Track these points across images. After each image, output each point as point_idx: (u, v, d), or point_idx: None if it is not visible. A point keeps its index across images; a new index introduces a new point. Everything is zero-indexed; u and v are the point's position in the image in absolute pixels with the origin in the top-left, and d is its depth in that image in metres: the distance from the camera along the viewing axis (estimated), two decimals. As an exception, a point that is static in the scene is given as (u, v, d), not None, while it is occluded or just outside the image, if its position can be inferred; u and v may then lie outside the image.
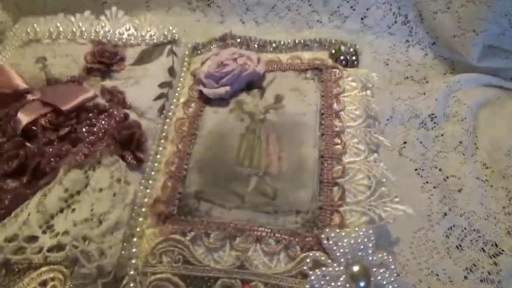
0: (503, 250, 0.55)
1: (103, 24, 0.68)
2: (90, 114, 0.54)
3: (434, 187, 0.62)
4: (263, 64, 0.63)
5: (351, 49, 0.66)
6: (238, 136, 0.54)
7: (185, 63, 0.68)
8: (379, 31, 0.75)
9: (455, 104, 0.67)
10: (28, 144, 0.50)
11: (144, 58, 0.65)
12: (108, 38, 0.67)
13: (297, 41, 0.69)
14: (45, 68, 0.61)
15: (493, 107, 0.69)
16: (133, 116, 0.56)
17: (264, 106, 0.58)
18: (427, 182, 0.64)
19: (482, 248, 0.55)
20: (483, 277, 0.53)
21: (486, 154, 0.64)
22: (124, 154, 0.50)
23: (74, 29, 0.67)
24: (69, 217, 0.45)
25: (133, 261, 0.46)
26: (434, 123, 0.67)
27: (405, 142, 0.69)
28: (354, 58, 0.64)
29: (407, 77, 0.78)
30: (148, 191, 0.52)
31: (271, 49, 0.69)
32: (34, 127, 0.52)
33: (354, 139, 0.54)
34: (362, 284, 0.42)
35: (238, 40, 0.69)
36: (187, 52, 0.70)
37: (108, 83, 0.61)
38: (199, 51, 0.70)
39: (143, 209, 0.50)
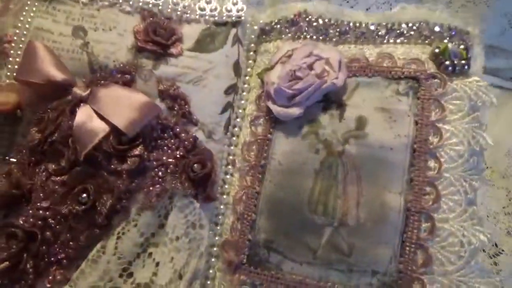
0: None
1: None
2: (154, 134, 0.49)
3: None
4: (345, 69, 0.51)
5: (461, 46, 0.51)
6: (311, 173, 0.48)
7: (251, 53, 0.58)
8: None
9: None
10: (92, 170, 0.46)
11: (206, 43, 0.55)
12: (160, 7, 0.56)
13: (389, 26, 0.54)
14: (87, 48, 0.51)
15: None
16: (200, 135, 0.51)
17: (343, 132, 0.49)
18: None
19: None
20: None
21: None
22: (197, 193, 0.48)
23: None
24: (148, 265, 0.46)
25: (207, 306, 0.47)
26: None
27: None
28: (463, 62, 0.50)
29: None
30: (218, 228, 0.50)
31: (354, 38, 0.55)
32: (95, 151, 0.46)
33: (451, 187, 0.46)
34: None
35: (315, 24, 0.56)
36: (253, 37, 0.58)
37: (163, 70, 0.52)
38: (266, 36, 0.58)
39: (214, 248, 0.50)
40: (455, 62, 0.50)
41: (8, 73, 0.51)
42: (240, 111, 0.55)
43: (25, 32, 0.53)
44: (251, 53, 0.58)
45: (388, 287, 0.45)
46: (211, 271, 0.49)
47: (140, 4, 0.56)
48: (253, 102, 0.55)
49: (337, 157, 0.49)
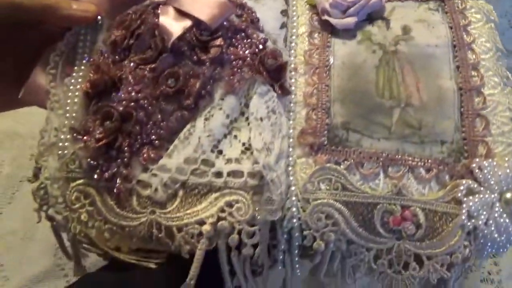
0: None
1: None
2: (229, 33, 0.52)
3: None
4: (384, -8, 0.60)
5: (471, -23, 0.63)
6: (373, 68, 0.54)
7: (293, -8, 0.66)
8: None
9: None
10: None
11: None
12: None
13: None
14: None
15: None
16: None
17: (392, 37, 0.57)
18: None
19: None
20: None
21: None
22: (273, 84, 0.50)
23: None
24: (235, 144, 0.47)
25: (293, 188, 0.48)
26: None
27: None
28: (475, -13, 0.62)
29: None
30: (290, 122, 0.52)
31: (384, -27, 0.65)
32: (180, 42, 0.48)
33: (489, 71, 0.54)
34: (516, 208, 0.46)
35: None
36: (292, -21, 0.66)
37: None
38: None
39: (290, 140, 0.51)
40: (469, -13, 0.62)
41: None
42: (294, 30, 0.61)
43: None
44: (294, -9, 0.66)
45: (457, 152, 0.50)
46: (290, 159, 0.50)
47: None
48: (305, 23, 0.61)
49: (392, 55, 0.55)
